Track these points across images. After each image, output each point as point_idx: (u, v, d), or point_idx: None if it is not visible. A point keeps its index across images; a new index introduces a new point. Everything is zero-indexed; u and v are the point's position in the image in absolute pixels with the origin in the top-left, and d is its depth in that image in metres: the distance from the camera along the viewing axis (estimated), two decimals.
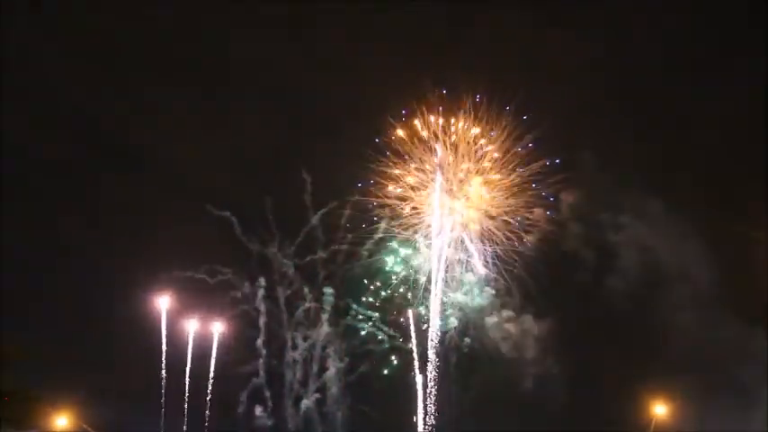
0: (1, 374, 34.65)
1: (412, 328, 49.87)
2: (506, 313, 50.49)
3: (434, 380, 48.91)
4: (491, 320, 50.39)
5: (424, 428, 48.57)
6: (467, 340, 49.47)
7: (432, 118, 49.98)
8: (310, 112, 50.85)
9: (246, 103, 50.66)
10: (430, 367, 49.01)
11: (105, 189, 49.65)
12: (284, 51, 50.91)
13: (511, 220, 50.84)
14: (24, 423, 36.33)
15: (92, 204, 49.26)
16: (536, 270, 49.91)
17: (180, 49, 49.13)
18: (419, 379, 48.99)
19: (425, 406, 48.72)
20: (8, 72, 45.70)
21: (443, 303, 49.92)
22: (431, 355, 49.14)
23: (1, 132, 45.56)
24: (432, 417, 48.62)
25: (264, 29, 50.61)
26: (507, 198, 51.10)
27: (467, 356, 49.57)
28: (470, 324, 50.26)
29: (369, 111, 49.28)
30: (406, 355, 49.63)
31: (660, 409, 45.96)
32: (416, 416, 48.83)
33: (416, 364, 49.25)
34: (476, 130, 50.37)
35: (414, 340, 49.64)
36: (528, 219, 51.12)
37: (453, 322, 49.90)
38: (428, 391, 48.82)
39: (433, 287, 50.02)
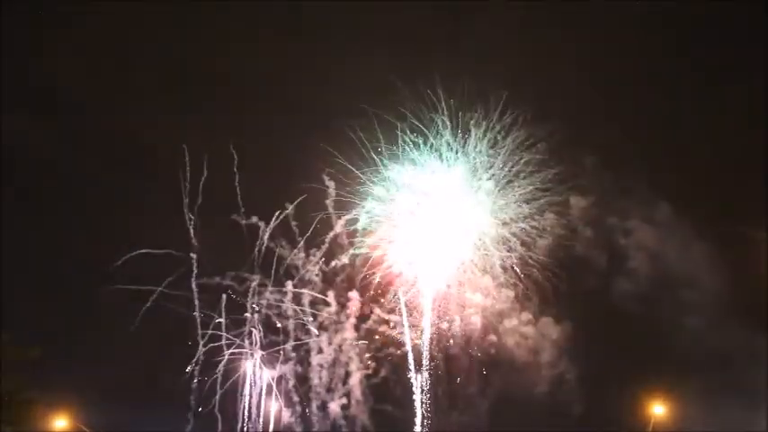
0: (0, 375, 34.72)
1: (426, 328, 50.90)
2: (525, 316, 51.71)
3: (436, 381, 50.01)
4: (509, 323, 51.60)
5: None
6: (493, 338, 50.73)
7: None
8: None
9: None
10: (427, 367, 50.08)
11: (118, 193, 49.82)
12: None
13: (526, 227, 52.31)
14: (23, 424, 36.28)
15: (100, 206, 49.50)
16: (551, 274, 51.34)
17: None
18: (418, 378, 50.02)
19: (426, 406, 49.60)
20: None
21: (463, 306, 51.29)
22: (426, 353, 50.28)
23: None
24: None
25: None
26: (520, 205, 52.64)
27: (491, 358, 50.75)
28: (490, 327, 51.45)
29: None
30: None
31: (659, 409, 47.24)
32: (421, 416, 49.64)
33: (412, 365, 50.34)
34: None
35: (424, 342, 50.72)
36: (540, 225, 52.60)
37: (476, 322, 51.05)
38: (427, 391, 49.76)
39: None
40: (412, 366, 50.15)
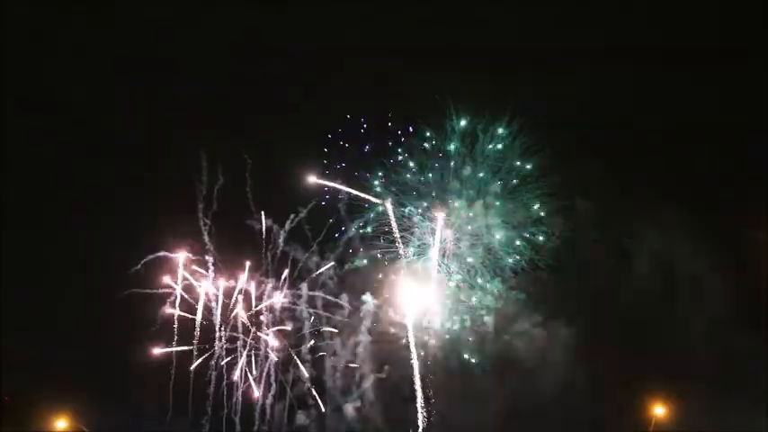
0: (1, 376, 34.68)
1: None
2: (534, 319, 52.39)
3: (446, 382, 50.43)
4: (520, 326, 52.27)
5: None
6: (506, 338, 51.31)
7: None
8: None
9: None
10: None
11: (123, 194, 49.92)
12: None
13: (534, 230, 52.92)
14: (24, 425, 36.22)
15: (107, 207, 49.60)
16: (559, 276, 52.18)
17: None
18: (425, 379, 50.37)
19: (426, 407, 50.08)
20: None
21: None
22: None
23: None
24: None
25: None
26: (528, 209, 53.29)
27: (503, 358, 51.28)
28: (500, 329, 52.11)
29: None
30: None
31: (659, 410, 47.96)
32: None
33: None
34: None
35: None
36: (549, 229, 53.26)
37: (489, 321, 51.66)
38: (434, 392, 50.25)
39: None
40: (422, 368, 50.67)
